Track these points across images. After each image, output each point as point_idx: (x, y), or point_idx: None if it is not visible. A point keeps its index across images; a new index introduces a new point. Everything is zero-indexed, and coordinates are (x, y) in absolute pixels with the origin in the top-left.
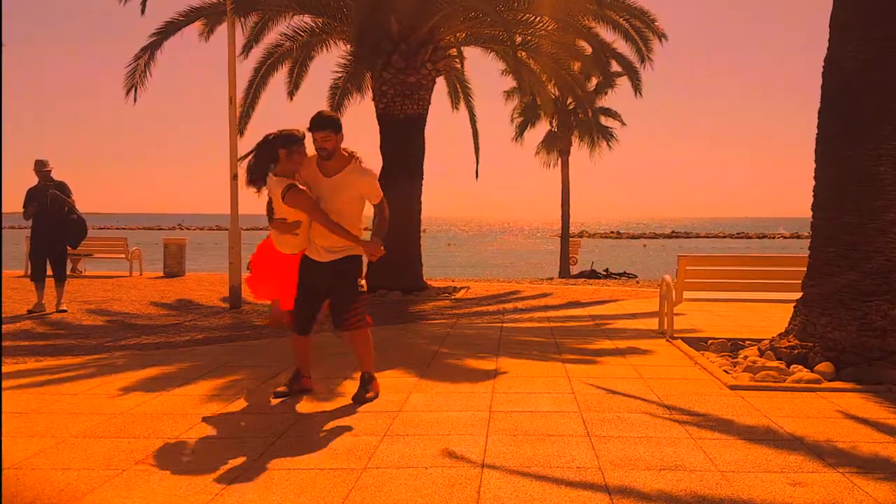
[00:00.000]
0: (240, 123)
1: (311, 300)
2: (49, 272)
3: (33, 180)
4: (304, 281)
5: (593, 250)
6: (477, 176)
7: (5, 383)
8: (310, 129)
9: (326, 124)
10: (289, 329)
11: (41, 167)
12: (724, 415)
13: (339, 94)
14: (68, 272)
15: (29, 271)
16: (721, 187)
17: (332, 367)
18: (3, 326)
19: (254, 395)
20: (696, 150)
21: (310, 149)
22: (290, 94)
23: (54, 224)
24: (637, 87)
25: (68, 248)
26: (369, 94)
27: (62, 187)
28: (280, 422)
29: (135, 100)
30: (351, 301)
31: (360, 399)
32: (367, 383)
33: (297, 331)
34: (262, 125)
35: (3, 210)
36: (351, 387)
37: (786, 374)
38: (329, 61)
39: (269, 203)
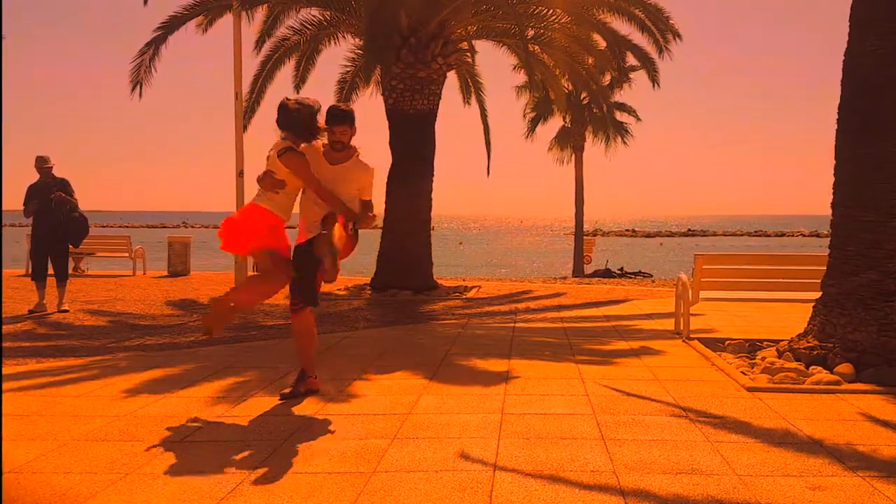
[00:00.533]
0: (244, 118)
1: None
2: (50, 271)
3: (34, 177)
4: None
5: (608, 249)
6: (488, 172)
7: (6, 385)
8: (329, 123)
9: (347, 118)
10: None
11: (42, 163)
12: (741, 417)
13: (347, 88)
14: (70, 271)
15: (29, 270)
16: (739, 184)
17: (341, 367)
18: (4, 327)
19: (260, 396)
20: (714, 146)
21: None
22: (297, 88)
23: (56, 222)
24: (654, 79)
25: (70, 246)
26: (378, 88)
27: (64, 184)
28: (287, 424)
29: (140, 95)
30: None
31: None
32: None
33: (314, 302)
34: (268, 121)
35: (3, 207)
36: (361, 388)
37: (805, 375)
38: (337, 55)
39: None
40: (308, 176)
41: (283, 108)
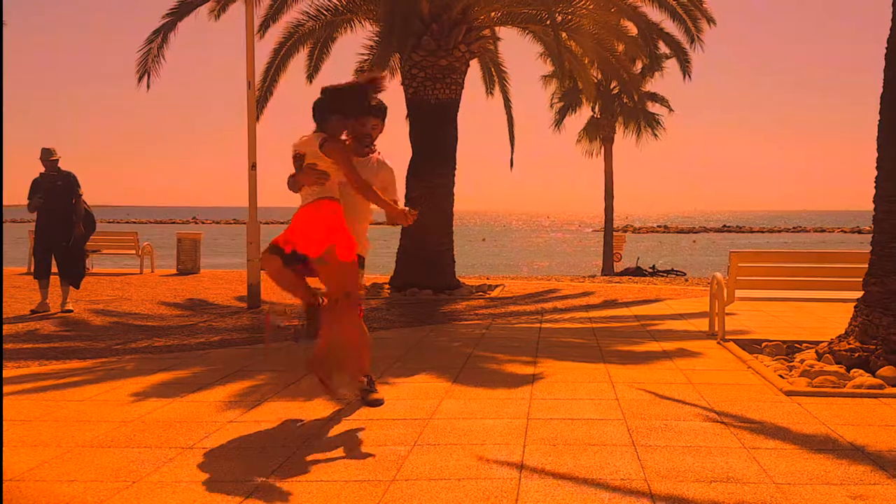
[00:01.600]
0: (257, 108)
1: None
2: (54, 269)
3: (39, 170)
4: None
5: (638, 246)
6: (512, 165)
7: (6, 389)
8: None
9: (383, 112)
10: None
11: (48, 156)
12: (779, 422)
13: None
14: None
15: (32, 268)
16: (776, 178)
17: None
18: (5, 328)
19: (275, 401)
20: (750, 139)
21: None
22: (310, 78)
23: (61, 217)
24: (686, 70)
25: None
26: (398, 77)
27: (70, 178)
28: (302, 430)
29: (148, 86)
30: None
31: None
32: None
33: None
34: (279, 111)
35: (4, 202)
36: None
37: (846, 378)
38: (354, 42)
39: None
40: (351, 165)
41: (331, 91)
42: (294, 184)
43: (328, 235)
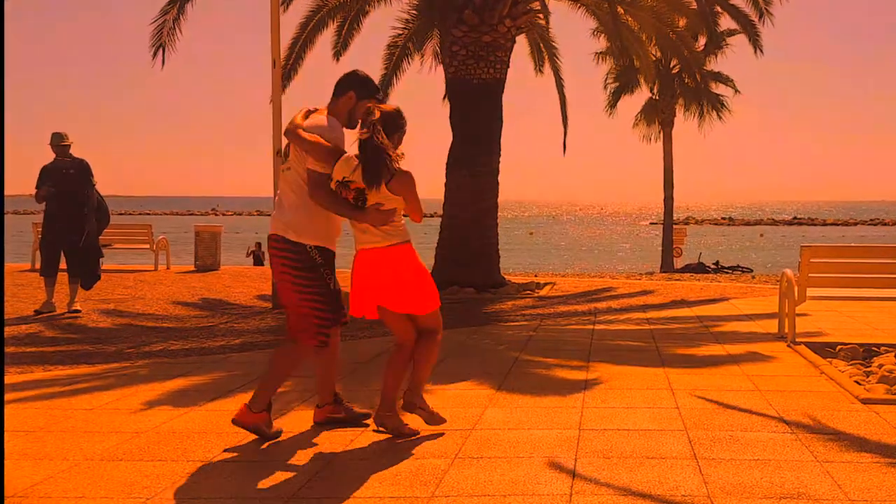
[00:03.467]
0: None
1: None
2: (62, 266)
3: (48, 157)
4: None
5: (701, 240)
6: (564, 150)
7: (8, 396)
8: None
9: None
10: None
11: (58, 141)
12: (855, 433)
13: (398, 55)
14: None
15: (38, 265)
16: (852, 166)
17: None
18: (6, 330)
19: (301, 410)
20: (823, 122)
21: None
22: (337, 55)
23: (72, 209)
24: (756, 44)
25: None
26: (434, 59)
27: (83, 165)
28: (332, 441)
29: (163, 63)
30: None
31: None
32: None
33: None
34: (305, 91)
35: (7, 192)
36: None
37: None
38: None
39: (343, 187)
40: (418, 199)
41: (397, 115)
42: (343, 212)
43: (419, 288)
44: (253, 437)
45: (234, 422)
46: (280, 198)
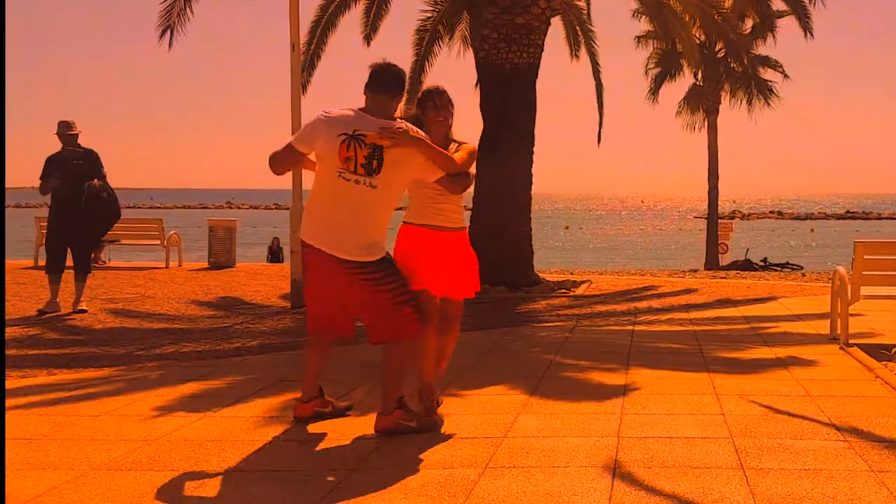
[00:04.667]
0: (301, 75)
1: None
2: (69, 262)
3: (54, 147)
4: None
5: (748, 235)
6: (599, 140)
7: (10, 402)
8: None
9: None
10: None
11: (65, 129)
12: None
13: (428, 39)
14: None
15: (42, 261)
16: None
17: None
18: (7, 331)
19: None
20: (878, 110)
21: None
22: (367, 39)
23: (79, 202)
24: (807, 26)
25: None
26: (465, 44)
27: (91, 157)
28: (355, 450)
29: (170, 45)
30: None
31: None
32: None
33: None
34: (329, 78)
35: (9, 184)
36: (445, 405)
37: None
38: None
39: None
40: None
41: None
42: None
43: (475, 274)
44: (270, 445)
45: (380, 432)
46: (343, 217)
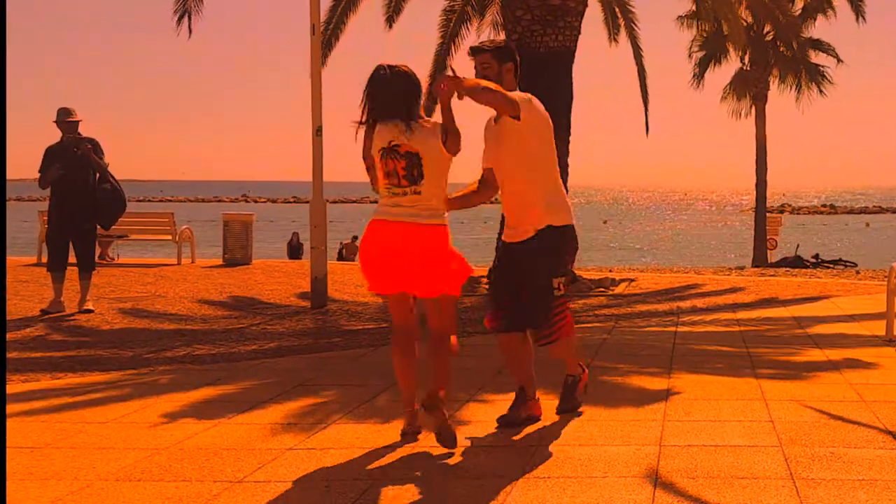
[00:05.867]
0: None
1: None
2: (72, 259)
3: (55, 137)
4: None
5: (798, 230)
6: (647, 130)
7: (11, 408)
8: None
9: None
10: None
11: (65, 116)
12: None
13: (455, 20)
14: (95, 259)
15: (45, 258)
16: None
17: (451, 387)
18: (9, 332)
19: (343, 423)
20: None
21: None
22: (389, 21)
23: (82, 195)
24: (858, 10)
25: (100, 227)
26: (491, 24)
27: (92, 146)
28: (379, 458)
29: (189, 31)
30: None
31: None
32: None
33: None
34: (348, 61)
35: (9, 176)
36: (475, 411)
37: None
38: None
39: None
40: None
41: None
42: None
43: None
44: (288, 454)
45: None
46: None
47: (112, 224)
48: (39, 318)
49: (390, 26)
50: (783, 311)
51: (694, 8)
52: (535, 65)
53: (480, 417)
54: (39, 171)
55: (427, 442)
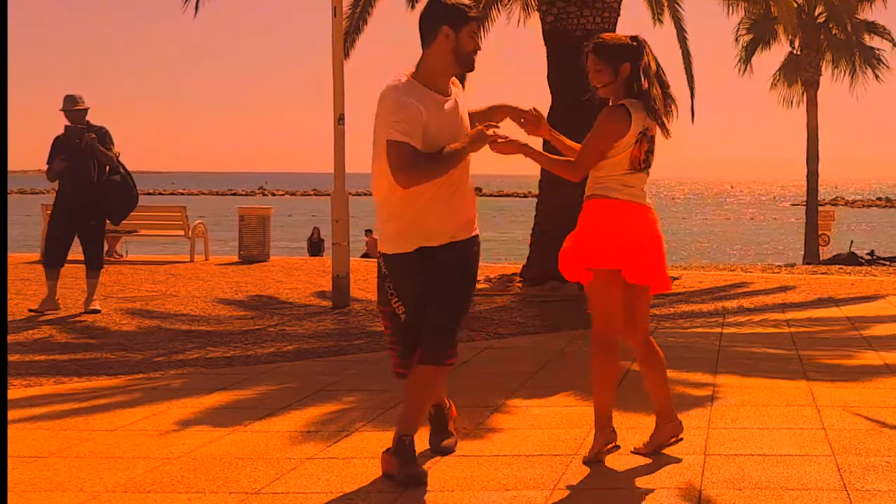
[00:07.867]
0: (344, 43)
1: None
2: (80, 256)
3: (62, 126)
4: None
5: (852, 224)
6: (693, 117)
7: (13, 414)
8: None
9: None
10: None
11: (71, 105)
12: None
13: (485, 2)
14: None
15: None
16: None
17: (479, 390)
18: (11, 334)
19: (367, 431)
20: None
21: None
22: (412, 2)
23: (86, 188)
24: None
25: (108, 222)
26: (524, 11)
27: (102, 135)
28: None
29: (196, 10)
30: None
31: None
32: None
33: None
34: (374, 46)
35: (13, 167)
36: (507, 419)
37: None
38: None
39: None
40: None
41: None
42: None
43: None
44: (308, 464)
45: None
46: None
47: (122, 219)
48: (41, 320)
49: (413, 7)
50: (836, 311)
51: None
52: (572, 48)
53: (513, 426)
54: (47, 163)
55: (458, 452)
